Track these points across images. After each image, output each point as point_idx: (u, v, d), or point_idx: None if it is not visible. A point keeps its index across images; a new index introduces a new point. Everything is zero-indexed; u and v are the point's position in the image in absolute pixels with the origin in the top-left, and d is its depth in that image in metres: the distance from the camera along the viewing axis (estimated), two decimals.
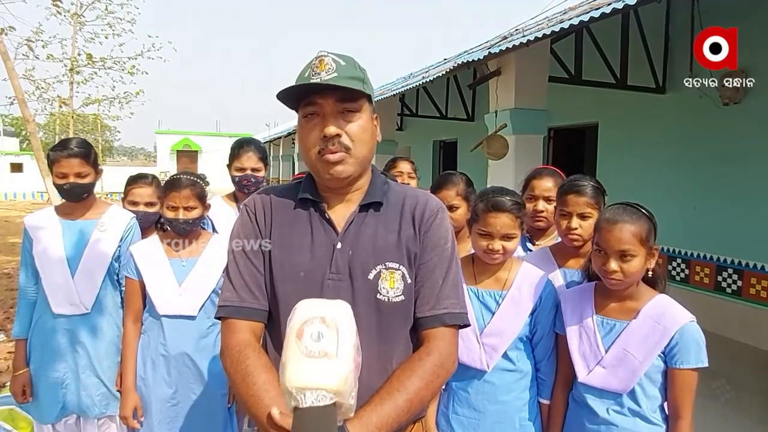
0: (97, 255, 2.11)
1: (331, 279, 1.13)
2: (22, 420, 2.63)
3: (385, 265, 1.14)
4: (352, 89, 1.11)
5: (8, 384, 2.26)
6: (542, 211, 2.04)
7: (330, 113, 1.13)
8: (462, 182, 2.12)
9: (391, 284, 1.14)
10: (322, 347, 0.88)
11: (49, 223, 2.12)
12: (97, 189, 2.18)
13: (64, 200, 2.15)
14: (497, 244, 1.60)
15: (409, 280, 1.16)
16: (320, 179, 1.19)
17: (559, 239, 1.89)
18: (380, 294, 1.13)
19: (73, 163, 2.01)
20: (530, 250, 2.05)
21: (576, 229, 1.75)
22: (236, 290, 1.17)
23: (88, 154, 2.06)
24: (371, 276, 1.13)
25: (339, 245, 1.15)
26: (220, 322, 1.20)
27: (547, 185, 2.04)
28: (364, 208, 1.19)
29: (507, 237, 1.60)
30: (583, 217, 1.75)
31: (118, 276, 2.17)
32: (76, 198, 2.09)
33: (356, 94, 1.13)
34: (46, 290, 2.07)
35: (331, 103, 1.12)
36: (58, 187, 2.05)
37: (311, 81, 1.11)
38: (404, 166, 2.75)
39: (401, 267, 1.15)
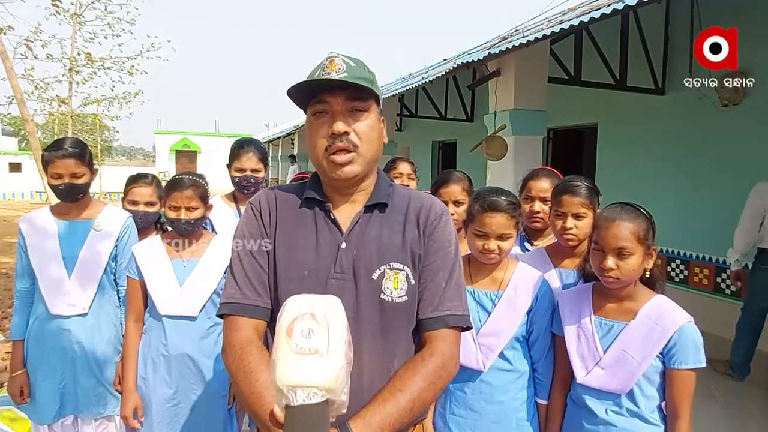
0: (93, 255, 2.10)
1: (335, 278, 1.13)
2: (19, 421, 2.63)
3: (389, 265, 1.14)
4: (361, 88, 1.11)
5: (6, 384, 2.26)
6: (539, 212, 2.05)
7: (339, 111, 1.13)
8: (466, 179, 2.15)
9: (395, 284, 1.14)
10: (313, 344, 0.86)
11: (44, 224, 2.11)
12: (95, 189, 2.18)
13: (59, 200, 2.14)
14: (493, 244, 1.60)
15: (413, 281, 1.16)
16: (326, 178, 1.19)
17: (556, 239, 1.89)
18: (384, 294, 1.13)
19: (68, 163, 2.00)
20: (529, 251, 2.05)
21: (571, 228, 1.76)
22: (240, 287, 1.16)
23: (83, 154, 2.05)
24: (375, 276, 1.13)
25: (343, 245, 1.15)
26: (220, 322, 1.19)
27: (544, 186, 2.05)
28: (369, 208, 1.20)
29: (502, 237, 1.61)
30: (577, 217, 1.76)
31: (115, 276, 2.16)
32: (72, 198, 2.08)
33: (365, 93, 1.13)
34: (42, 291, 2.07)
35: (340, 101, 1.12)
36: (54, 188, 2.04)
37: (322, 78, 1.11)
38: (404, 167, 2.74)
39: (405, 268, 1.15)
